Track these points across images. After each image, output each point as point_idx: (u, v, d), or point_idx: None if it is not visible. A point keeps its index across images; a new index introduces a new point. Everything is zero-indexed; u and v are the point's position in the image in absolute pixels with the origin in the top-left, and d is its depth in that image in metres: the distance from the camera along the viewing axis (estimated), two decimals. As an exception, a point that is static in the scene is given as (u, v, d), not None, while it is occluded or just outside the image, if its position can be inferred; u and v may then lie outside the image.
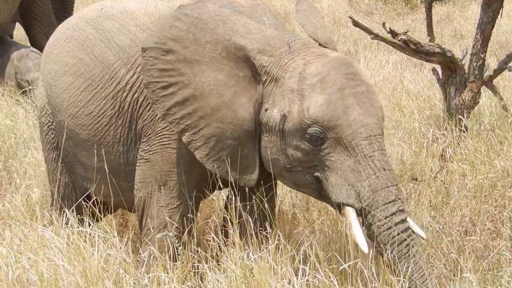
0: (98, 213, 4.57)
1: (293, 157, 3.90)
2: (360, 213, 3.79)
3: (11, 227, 4.61)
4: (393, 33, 5.99)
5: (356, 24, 5.98)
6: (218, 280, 3.89)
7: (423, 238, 3.95)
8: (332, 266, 3.99)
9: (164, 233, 4.15)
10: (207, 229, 4.69)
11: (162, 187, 4.20)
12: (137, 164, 4.31)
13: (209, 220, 4.77)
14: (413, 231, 3.81)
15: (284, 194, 5.31)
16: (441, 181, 5.17)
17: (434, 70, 6.33)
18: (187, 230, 4.21)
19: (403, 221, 3.76)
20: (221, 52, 3.99)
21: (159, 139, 4.20)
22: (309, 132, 3.82)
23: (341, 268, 3.92)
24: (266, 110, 3.95)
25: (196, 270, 4.15)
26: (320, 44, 4.13)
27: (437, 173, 5.29)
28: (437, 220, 4.67)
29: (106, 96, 4.34)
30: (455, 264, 4.29)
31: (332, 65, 3.88)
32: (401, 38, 5.98)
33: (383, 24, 6.02)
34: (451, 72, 6.08)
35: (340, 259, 3.96)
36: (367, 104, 3.83)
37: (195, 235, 4.27)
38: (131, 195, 4.40)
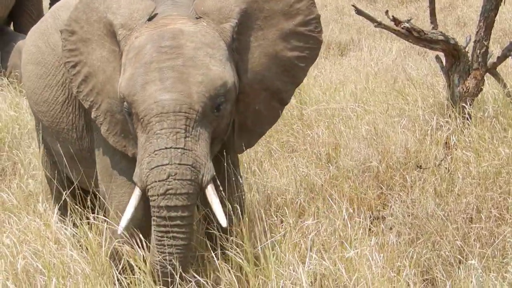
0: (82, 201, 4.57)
1: (133, 132, 3.86)
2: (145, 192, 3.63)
3: (12, 218, 4.64)
4: (396, 21, 5.99)
5: (359, 12, 5.97)
6: (224, 268, 3.90)
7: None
8: (338, 254, 4.01)
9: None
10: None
11: (109, 177, 4.15)
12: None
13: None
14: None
15: (289, 182, 5.31)
16: (446, 168, 5.16)
17: (437, 57, 6.31)
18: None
19: (169, 207, 3.55)
20: (103, 29, 4.02)
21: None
22: (124, 107, 3.78)
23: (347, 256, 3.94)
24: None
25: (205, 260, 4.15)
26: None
27: (441, 161, 5.29)
28: (442, 207, 4.66)
29: (57, 83, 4.40)
30: (460, 251, 4.28)
31: (152, 37, 3.72)
32: (404, 26, 5.97)
33: (386, 12, 6.01)
34: (454, 59, 6.07)
35: (348, 246, 3.97)
36: (173, 79, 3.61)
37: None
38: (93, 181, 4.36)
